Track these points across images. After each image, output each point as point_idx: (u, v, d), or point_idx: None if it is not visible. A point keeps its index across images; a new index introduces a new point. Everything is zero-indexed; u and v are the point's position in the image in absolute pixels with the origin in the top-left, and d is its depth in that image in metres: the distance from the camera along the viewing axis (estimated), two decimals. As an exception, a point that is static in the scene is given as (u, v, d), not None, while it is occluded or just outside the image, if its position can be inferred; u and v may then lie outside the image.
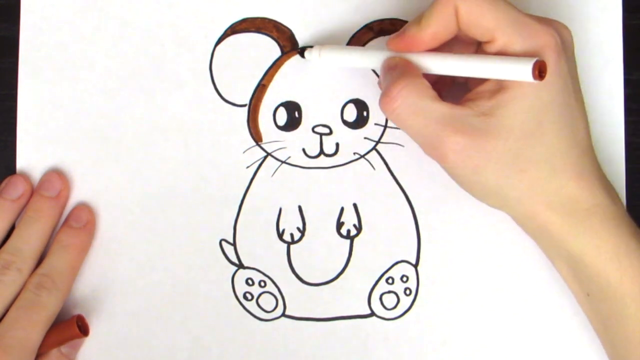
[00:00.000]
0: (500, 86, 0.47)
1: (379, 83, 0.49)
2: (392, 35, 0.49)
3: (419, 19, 0.48)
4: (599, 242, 0.47)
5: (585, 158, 0.48)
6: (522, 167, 0.47)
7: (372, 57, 0.51)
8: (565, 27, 0.49)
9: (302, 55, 0.54)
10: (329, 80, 0.55)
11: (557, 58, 0.46)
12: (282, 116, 0.55)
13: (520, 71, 0.45)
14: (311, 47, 0.53)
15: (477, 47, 0.50)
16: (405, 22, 0.54)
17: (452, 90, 0.52)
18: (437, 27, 0.47)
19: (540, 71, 0.44)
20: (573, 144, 0.48)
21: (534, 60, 0.44)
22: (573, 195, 0.47)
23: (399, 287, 0.54)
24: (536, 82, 0.44)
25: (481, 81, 0.47)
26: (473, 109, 0.47)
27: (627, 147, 0.55)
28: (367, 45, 0.55)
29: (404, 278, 0.54)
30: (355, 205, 0.55)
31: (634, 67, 0.55)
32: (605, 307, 0.49)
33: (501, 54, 0.46)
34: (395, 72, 0.48)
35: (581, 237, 0.48)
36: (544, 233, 0.49)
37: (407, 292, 0.54)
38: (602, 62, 0.55)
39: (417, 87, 0.47)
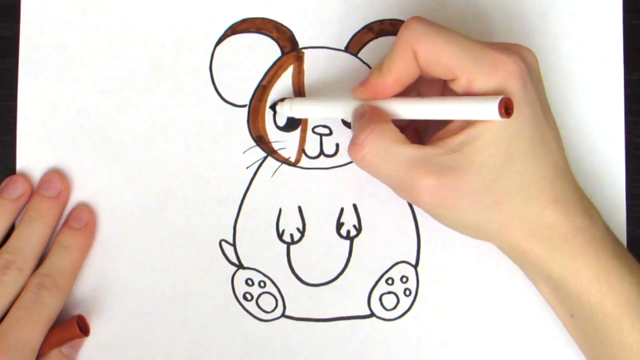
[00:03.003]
0: (467, 122, 0.46)
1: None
2: (356, 85, 0.49)
3: (380, 65, 0.48)
4: (579, 266, 0.47)
5: (561, 181, 0.48)
6: (497, 200, 0.46)
7: (342, 107, 0.51)
8: (528, 50, 0.48)
9: (274, 110, 0.54)
10: (328, 81, 0.55)
11: (523, 86, 0.46)
12: (282, 116, 0.55)
13: (486, 111, 0.44)
14: (282, 100, 0.54)
15: (444, 86, 0.49)
16: (405, 22, 0.55)
17: (427, 130, 0.52)
18: (399, 71, 0.47)
19: (506, 108, 0.44)
20: (547, 169, 0.47)
21: (498, 98, 0.43)
22: (551, 221, 0.47)
23: (398, 287, 0.54)
24: (504, 119, 0.44)
25: (448, 120, 0.47)
26: (442, 147, 0.46)
27: (627, 147, 0.55)
28: (366, 49, 0.55)
29: (404, 279, 0.54)
30: (355, 206, 0.55)
31: (634, 67, 0.55)
32: (590, 328, 0.49)
33: (467, 91, 0.46)
34: (364, 120, 0.48)
35: (561, 262, 0.47)
36: (525, 260, 0.49)
37: (407, 292, 0.54)
38: (602, 62, 0.55)
39: (384, 132, 0.47)
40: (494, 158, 0.46)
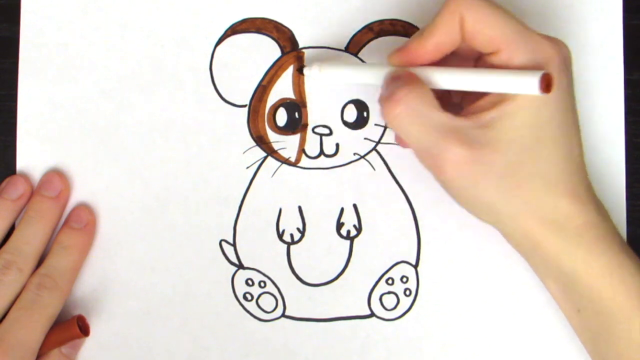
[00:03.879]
0: (501, 99, 0.46)
1: (380, 100, 0.49)
2: (393, 50, 0.49)
3: (422, 31, 0.48)
4: (591, 259, 0.47)
5: (578, 175, 0.48)
6: (518, 183, 0.46)
7: (373, 72, 0.50)
8: (566, 46, 0.48)
9: (301, 72, 0.54)
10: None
11: (559, 72, 0.46)
12: (282, 117, 0.55)
13: (527, 84, 0.44)
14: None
15: (477, 62, 0.49)
16: (405, 22, 0.55)
17: (460, 105, 0.52)
18: (441, 36, 0.47)
19: (547, 84, 0.43)
20: (568, 161, 0.47)
21: (541, 72, 0.43)
22: (566, 212, 0.47)
23: (398, 287, 0.54)
24: (542, 95, 0.44)
25: (482, 94, 0.47)
26: (474, 120, 0.46)
27: (628, 147, 0.55)
28: (366, 49, 0.55)
29: (404, 279, 0.54)
30: (355, 206, 0.55)
31: (635, 67, 0.55)
32: (597, 323, 0.49)
33: (505, 66, 0.46)
34: (400, 82, 0.47)
35: (573, 254, 0.47)
36: (536, 250, 0.49)
37: (407, 292, 0.54)
38: (603, 62, 0.55)
39: (421, 94, 0.47)
40: (523, 139, 0.46)
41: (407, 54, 0.48)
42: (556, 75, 0.45)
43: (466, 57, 0.50)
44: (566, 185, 0.47)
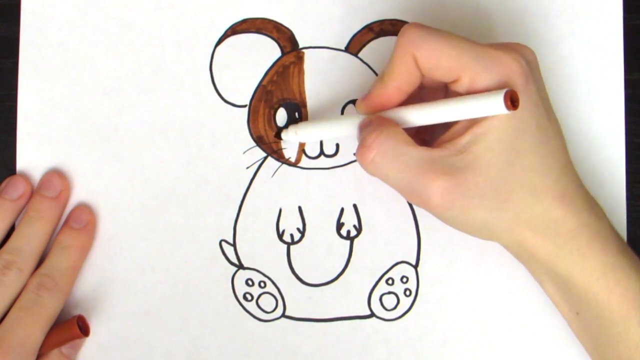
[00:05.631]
0: (472, 122, 0.46)
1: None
2: (359, 99, 0.49)
3: (381, 76, 0.48)
4: (586, 262, 0.47)
5: (566, 177, 0.48)
6: (504, 197, 0.46)
7: (347, 124, 0.50)
8: (527, 48, 0.48)
9: (279, 137, 0.54)
10: (328, 81, 0.55)
11: (525, 82, 0.46)
12: (282, 117, 0.55)
13: (493, 105, 0.44)
14: (286, 127, 0.54)
15: (446, 89, 0.49)
16: (406, 22, 0.54)
17: (432, 135, 0.52)
18: (401, 78, 0.47)
19: (512, 100, 0.44)
20: (552, 165, 0.47)
21: (503, 91, 0.43)
22: (557, 217, 0.47)
23: (398, 287, 0.54)
24: (511, 112, 0.44)
25: (453, 121, 0.47)
26: (450, 149, 0.46)
27: (628, 147, 0.55)
28: (366, 49, 0.55)
29: (404, 279, 0.54)
30: (355, 206, 0.55)
31: (635, 67, 0.55)
32: (595, 326, 0.49)
33: (470, 90, 0.46)
34: (370, 127, 0.47)
35: (568, 258, 0.47)
36: (532, 257, 0.49)
37: (407, 293, 0.54)
38: (603, 63, 0.55)
39: (393, 134, 0.47)
40: (501, 155, 0.46)
41: (373, 101, 0.48)
42: (521, 87, 0.45)
43: (435, 87, 0.50)
44: (553, 191, 0.47)
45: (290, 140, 0.54)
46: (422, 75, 0.47)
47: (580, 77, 0.55)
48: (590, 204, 0.48)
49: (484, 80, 0.45)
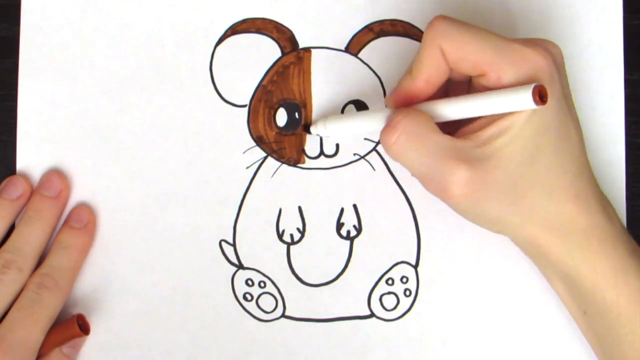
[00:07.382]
0: (497, 115, 0.46)
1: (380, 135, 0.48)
2: (388, 94, 0.49)
3: (409, 70, 0.48)
4: (596, 262, 0.47)
5: (582, 177, 0.48)
6: (522, 194, 0.46)
7: (376, 119, 0.50)
8: (554, 45, 0.48)
9: (308, 132, 0.54)
10: (329, 81, 0.55)
11: (551, 80, 0.46)
12: (282, 117, 0.55)
13: (522, 101, 0.44)
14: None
15: (470, 83, 0.49)
16: (405, 22, 0.55)
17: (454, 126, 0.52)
18: (429, 71, 0.47)
19: (540, 95, 0.43)
20: (570, 164, 0.47)
21: (532, 86, 0.43)
22: (570, 217, 0.47)
23: (398, 288, 0.54)
24: (539, 107, 0.44)
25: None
26: (473, 140, 0.46)
27: (628, 147, 0.55)
28: (366, 49, 0.55)
29: (404, 279, 0.54)
30: (355, 206, 0.55)
31: (635, 67, 0.55)
32: (602, 326, 0.49)
33: (497, 85, 0.46)
34: (398, 111, 0.47)
35: (578, 258, 0.47)
36: (542, 255, 0.49)
37: (407, 293, 0.54)
38: (603, 63, 0.55)
39: (419, 118, 0.47)
40: (523, 150, 0.46)
41: (401, 95, 0.48)
42: (548, 83, 0.45)
43: (460, 83, 0.50)
44: (569, 190, 0.47)
45: (320, 134, 0.53)
46: (450, 69, 0.47)
47: (580, 77, 0.55)
48: (603, 204, 0.49)
49: (509, 76, 0.45)
